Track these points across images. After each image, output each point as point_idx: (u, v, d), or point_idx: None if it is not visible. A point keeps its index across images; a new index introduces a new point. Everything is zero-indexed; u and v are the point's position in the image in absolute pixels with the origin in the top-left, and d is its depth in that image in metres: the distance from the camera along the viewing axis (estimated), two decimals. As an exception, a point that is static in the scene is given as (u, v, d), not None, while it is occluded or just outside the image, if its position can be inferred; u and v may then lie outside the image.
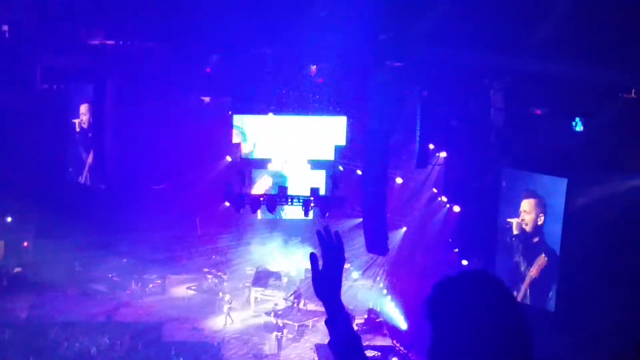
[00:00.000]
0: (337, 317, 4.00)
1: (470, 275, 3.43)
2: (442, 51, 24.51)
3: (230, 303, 31.83)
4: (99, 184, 34.48)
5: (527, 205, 25.14)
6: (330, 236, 4.15)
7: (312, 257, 4.13)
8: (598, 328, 20.62)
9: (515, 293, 24.63)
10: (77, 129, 34.84)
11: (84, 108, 34.82)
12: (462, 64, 24.92)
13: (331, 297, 4.05)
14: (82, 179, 34.74)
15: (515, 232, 25.51)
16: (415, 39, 24.66)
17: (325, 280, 4.07)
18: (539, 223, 24.74)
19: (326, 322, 4.02)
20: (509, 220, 25.54)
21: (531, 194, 25.01)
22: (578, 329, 21.73)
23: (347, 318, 4.03)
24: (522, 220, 25.27)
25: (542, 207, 24.67)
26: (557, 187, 23.86)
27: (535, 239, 24.86)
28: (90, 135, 34.78)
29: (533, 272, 24.71)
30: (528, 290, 24.87)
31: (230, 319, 31.44)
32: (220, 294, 32.64)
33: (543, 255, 24.42)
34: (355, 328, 21.48)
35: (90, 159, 35.12)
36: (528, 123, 25.45)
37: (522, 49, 22.37)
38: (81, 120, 34.87)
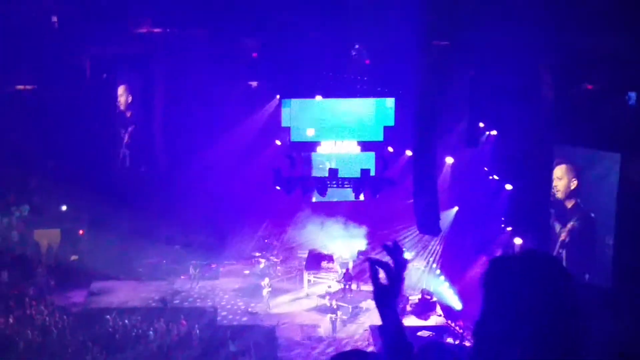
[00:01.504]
0: (392, 326, 4.03)
1: (527, 252, 3.46)
2: (489, 29, 24.31)
3: (270, 287, 31.84)
4: (149, 169, 34.95)
5: (559, 172, 25.04)
6: (398, 252, 4.14)
7: (372, 266, 4.11)
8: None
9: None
10: (119, 109, 35.36)
11: (121, 89, 35.24)
12: (510, 41, 24.70)
13: (388, 308, 4.07)
14: (120, 159, 35.30)
15: (555, 197, 25.47)
16: (462, 17, 24.49)
17: (387, 292, 4.08)
18: (572, 188, 24.60)
19: (381, 332, 4.07)
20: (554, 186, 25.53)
21: (564, 160, 24.89)
22: (634, 304, 21.51)
23: (402, 328, 4.06)
24: (555, 186, 25.14)
25: (575, 172, 24.54)
26: (608, 162, 23.66)
27: (570, 204, 24.74)
28: (128, 116, 35.31)
29: (563, 236, 24.63)
30: (564, 253, 24.84)
31: (268, 305, 31.38)
32: (262, 282, 32.56)
33: (572, 222, 24.32)
34: (409, 309, 21.49)
35: (127, 139, 35.58)
36: (579, 99, 25.18)
37: (572, 24, 22.10)
38: (119, 102, 35.32)
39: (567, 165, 24.68)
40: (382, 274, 4.12)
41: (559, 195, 25.00)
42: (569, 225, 24.44)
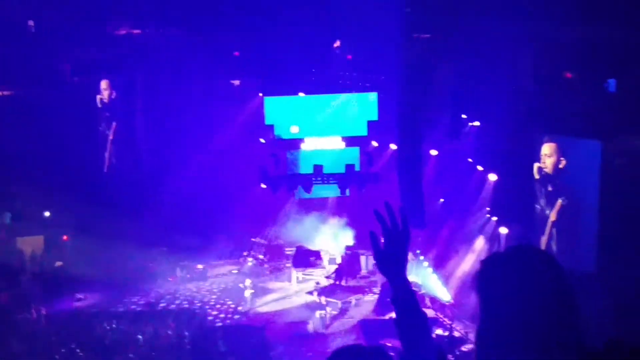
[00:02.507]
0: (403, 295, 3.93)
1: (516, 249, 3.45)
2: (470, 20, 24.34)
3: (252, 288, 31.78)
4: (130, 171, 34.88)
5: (547, 149, 25.01)
6: (392, 213, 4.03)
7: (372, 235, 4.02)
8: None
9: (542, 237, 24.72)
10: (99, 105, 35.22)
11: (104, 84, 35.14)
12: (491, 31, 24.72)
13: (397, 275, 3.97)
14: (106, 157, 35.21)
15: (536, 176, 25.44)
16: (443, 10, 24.52)
17: (389, 257, 3.98)
18: (560, 167, 24.64)
19: (392, 301, 3.96)
20: (535, 165, 25.48)
21: (551, 139, 24.90)
22: (618, 290, 21.57)
23: (414, 296, 3.94)
24: (543, 163, 25.15)
25: (562, 152, 24.59)
26: (591, 150, 23.72)
27: (557, 183, 24.79)
28: (112, 112, 35.27)
29: (552, 216, 24.66)
30: (554, 233, 24.85)
31: (252, 306, 31.30)
32: (241, 284, 32.50)
33: (560, 200, 24.36)
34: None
35: (111, 135, 35.51)
36: (559, 87, 25.23)
37: (551, 14, 22.13)
38: (102, 96, 35.21)
39: (556, 143, 24.71)
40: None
41: (548, 171, 25.00)
42: (558, 204, 24.43)
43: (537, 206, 25.87)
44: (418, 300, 3.99)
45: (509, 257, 3.43)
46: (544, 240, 24.94)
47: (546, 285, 3.28)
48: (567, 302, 3.30)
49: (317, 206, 35.81)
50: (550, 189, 25.18)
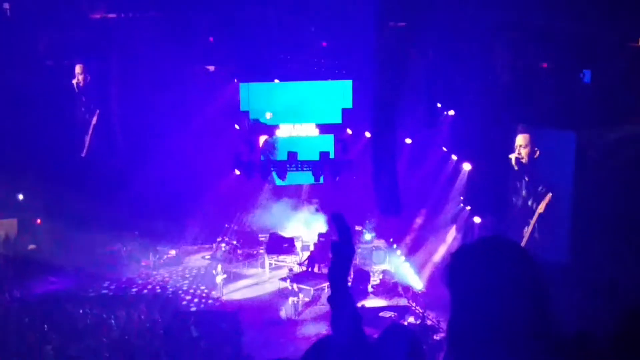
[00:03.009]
0: (341, 295, 3.96)
1: (487, 241, 3.48)
2: (446, 9, 24.37)
3: (224, 274, 31.76)
4: (104, 155, 34.78)
5: (522, 140, 25.16)
6: (343, 223, 4.07)
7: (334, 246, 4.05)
8: (612, 280, 20.62)
9: (526, 228, 24.81)
10: (76, 89, 35.06)
11: (78, 68, 34.95)
12: (467, 21, 24.78)
13: (341, 276, 4.00)
14: (86, 141, 35.11)
15: (515, 168, 25.59)
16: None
17: (337, 264, 4.01)
18: (535, 157, 24.79)
19: (329, 300, 3.99)
20: (510, 156, 25.59)
21: (525, 130, 25.05)
22: (592, 281, 21.72)
23: (350, 296, 3.99)
24: (519, 154, 25.30)
25: (536, 141, 24.73)
26: (554, 137, 23.89)
27: (533, 172, 24.92)
28: (87, 96, 35.09)
29: (541, 208, 24.76)
30: (537, 226, 24.97)
31: (222, 292, 31.30)
32: (214, 270, 32.48)
33: (550, 194, 24.44)
34: (371, 290, 21.61)
35: (94, 120, 35.37)
36: (535, 77, 25.33)
37: (527, 3, 22.20)
38: (78, 80, 35.03)
39: (529, 134, 24.85)
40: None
41: (523, 161, 25.15)
42: (548, 198, 24.49)
43: (515, 198, 25.98)
44: (353, 301, 4.03)
45: (479, 249, 3.44)
46: (527, 231, 25.05)
47: (516, 277, 3.30)
48: (538, 293, 3.32)
49: (290, 193, 35.85)
50: (527, 179, 25.33)
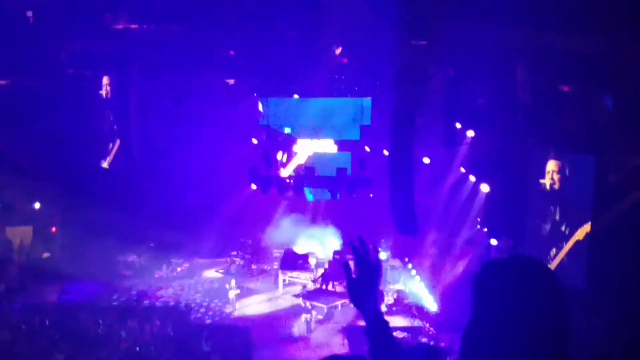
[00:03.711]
0: (376, 326, 3.92)
1: (519, 259, 3.44)
2: (467, 29, 24.26)
3: (237, 289, 31.65)
4: (123, 166, 34.81)
5: (553, 166, 24.96)
6: (366, 248, 4.01)
7: (346, 266, 4.01)
8: (630, 309, 20.42)
9: (552, 252, 24.52)
10: (104, 97, 35.22)
11: (106, 79, 35.07)
12: (488, 41, 24.66)
13: (368, 307, 3.95)
14: (108, 160, 35.14)
15: (548, 189, 25.37)
16: (440, 17, 24.43)
17: (361, 290, 3.96)
18: (566, 175, 24.64)
19: (365, 332, 3.95)
20: (541, 181, 25.34)
21: (555, 157, 24.86)
22: (609, 309, 21.50)
23: (386, 327, 3.94)
24: (551, 179, 25.10)
25: (567, 166, 24.57)
26: (583, 159, 23.68)
27: (562, 198, 24.73)
28: (110, 107, 35.21)
29: (580, 235, 24.43)
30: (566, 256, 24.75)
31: (235, 307, 31.19)
32: (227, 284, 32.37)
33: (590, 223, 24.11)
34: (384, 309, 21.41)
35: (116, 146, 35.43)
36: (555, 100, 25.17)
37: (549, 24, 22.06)
38: (106, 90, 35.14)
39: (560, 160, 24.68)
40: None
41: (556, 187, 24.94)
42: (588, 226, 24.18)
43: (537, 221, 25.74)
44: (391, 331, 3.98)
45: (510, 264, 3.42)
46: (554, 255, 24.82)
47: (542, 297, 3.27)
48: (560, 316, 3.28)
49: (306, 209, 35.72)
50: (554, 205, 25.11)
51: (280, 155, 34.64)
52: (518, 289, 3.27)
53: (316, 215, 35.40)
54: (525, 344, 3.21)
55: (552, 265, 24.72)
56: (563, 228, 24.98)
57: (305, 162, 34.49)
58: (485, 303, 3.34)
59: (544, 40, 23.14)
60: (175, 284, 33.50)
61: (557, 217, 25.29)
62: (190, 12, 31.24)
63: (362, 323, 3.97)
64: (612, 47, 20.75)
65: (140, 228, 33.59)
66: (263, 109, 34.69)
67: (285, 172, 34.44)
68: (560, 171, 24.74)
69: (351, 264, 4.07)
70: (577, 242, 24.38)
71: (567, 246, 24.75)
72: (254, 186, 32.31)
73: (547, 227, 25.57)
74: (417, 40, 27.10)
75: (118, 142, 35.85)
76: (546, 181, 25.26)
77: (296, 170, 34.48)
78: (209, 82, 34.97)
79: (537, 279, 3.32)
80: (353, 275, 4.02)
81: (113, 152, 35.95)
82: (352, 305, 4.08)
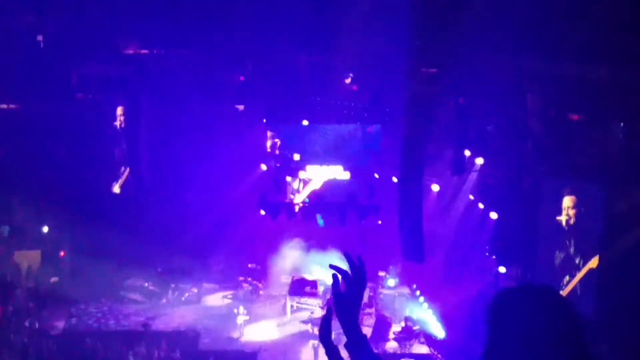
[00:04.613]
0: (357, 339, 3.95)
1: (533, 288, 3.43)
2: (478, 57, 24.29)
3: (246, 315, 31.57)
4: (133, 191, 34.84)
5: (569, 202, 24.93)
6: (353, 260, 4.05)
7: (334, 278, 4.04)
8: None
9: (565, 280, 24.45)
10: (118, 129, 35.26)
11: (120, 110, 35.16)
12: (499, 69, 24.67)
13: (351, 320, 3.98)
14: (119, 184, 35.15)
15: (565, 227, 25.32)
16: (451, 45, 24.46)
17: (348, 303, 3.99)
18: (582, 211, 24.60)
19: (346, 345, 3.98)
20: (558, 218, 25.29)
21: (571, 192, 24.81)
22: (618, 338, 21.39)
23: (366, 341, 3.97)
24: (567, 215, 25.06)
25: (581, 200, 24.54)
26: (596, 193, 23.62)
27: (583, 231, 24.67)
28: (120, 132, 35.25)
29: (592, 263, 24.36)
30: (578, 285, 24.66)
31: (243, 331, 31.10)
32: (235, 309, 32.30)
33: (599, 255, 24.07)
34: (392, 336, 21.41)
35: (127, 171, 35.46)
36: (565, 129, 25.15)
37: (560, 53, 22.07)
38: (120, 121, 35.19)
39: (576, 195, 24.67)
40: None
41: (571, 222, 24.91)
42: (597, 258, 24.15)
43: (547, 250, 25.69)
44: (370, 345, 4.00)
45: (522, 292, 3.42)
46: (566, 283, 24.77)
47: (557, 327, 3.24)
48: (578, 347, 3.26)
49: (315, 235, 35.65)
50: (582, 239, 25.07)
51: (295, 182, 34.69)
52: (532, 317, 3.24)
53: (325, 242, 35.31)
54: None
55: (564, 292, 24.67)
56: (576, 258, 24.91)
57: (320, 188, 34.52)
58: (498, 332, 3.32)
59: (554, 68, 23.14)
60: (183, 309, 33.42)
61: (570, 246, 25.24)
62: (200, 37, 31.38)
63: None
64: (623, 76, 20.74)
65: (148, 253, 33.61)
66: (272, 135, 34.74)
67: (299, 198, 34.46)
68: (576, 206, 24.71)
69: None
70: (590, 271, 24.30)
71: (580, 274, 24.67)
72: (262, 212, 32.28)
73: (560, 255, 25.52)
74: (427, 67, 27.12)
75: (128, 167, 35.87)
76: (562, 218, 25.24)
77: (309, 196, 34.51)
78: (218, 108, 35.07)
79: (551, 306, 3.30)
80: (340, 288, 4.05)
81: (124, 177, 35.95)
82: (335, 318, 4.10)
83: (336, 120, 34.66)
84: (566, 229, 25.25)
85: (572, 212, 24.87)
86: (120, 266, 32.75)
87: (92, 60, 32.44)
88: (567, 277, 24.85)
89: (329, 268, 4.09)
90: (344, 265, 4.12)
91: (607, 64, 20.81)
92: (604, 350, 20.08)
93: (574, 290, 24.57)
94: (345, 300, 3.98)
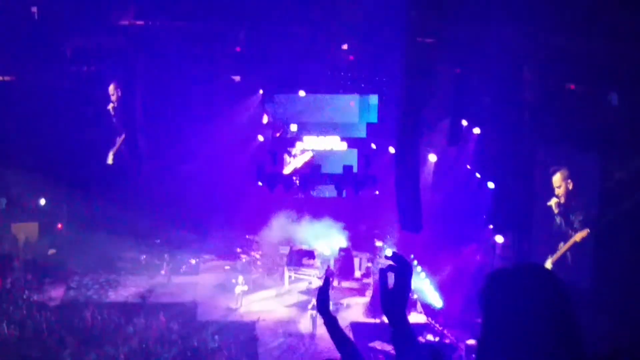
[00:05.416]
0: (404, 333, 3.99)
1: (524, 267, 3.46)
2: (475, 27, 24.23)
3: (244, 285, 31.66)
4: (128, 162, 34.77)
5: (557, 181, 24.99)
6: (401, 259, 4.09)
7: (382, 275, 4.09)
8: (635, 308, 20.42)
9: (557, 249, 24.53)
10: (112, 112, 35.05)
11: (112, 88, 34.93)
12: (495, 40, 24.62)
13: (398, 314, 4.02)
14: (110, 157, 35.07)
15: (556, 211, 25.39)
16: (448, 15, 24.36)
17: (394, 299, 4.04)
18: (570, 188, 24.61)
19: (392, 339, 4.03)
20: (548, 204, 25.40)
21: (558, 168, 24.87)
22: (615, 308, 21.48)
23: (413, 335, 4.00)
24: (557, 195, 25.13)
25: (569, 174, 24.55)
26: (590, 163, 23.65)
27: (574, 204, 24.73)
28: (120, 115, 35.02)
29: (578, 237, 24.46)
30: (569, 254, 24.72)
31: (241, 304, 31.22)
32: (233, 280, 32.37)
33: (588, 230, 24.13)
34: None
35: (121, 140, 35.34)
36: (561, 99, 25.13)
37: (556, 24, 22.02)
38: (112, 100, 35.03)
39: (561, 170, 24.68)
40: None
41: (561, 201, 24.99)
42: (585, 232, 24.22)
43: (543, 219, 25.78)
44: (417, 338, 4.06)
45: (515, 273, 3.43)
46: (557, 254, 24.88)
47: (550, 305, 3.29)
48: (569, 321, 3.30)
49: (312, 206, 35.67)
50: (564, 211, 25.13)
51: (286, 157, 34.65)
52: (523, 299, 3.29)
53: (322, 213, 35.34)
54: (539, 352, 3.23)
55: (554, 258, 24.84)
56: (569, 229, 24.99)
57: (310, 160, 34.50)
58: (493, 315, 3.36)
59: (550, 39, 23.11)
60: (181, 280, 33.47)
61: (565, 217, 25.33)
62: (196, 8, 31.24)
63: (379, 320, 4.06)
64: (618, 47, 20.71)
65: (146, 225, 33.63)
66: (269, 105, 34.69)
67: (288, 170, 34.43)
68: (566, 179, 24.76)
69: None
70: (582, 242, 24.40)
71: (566, 246, 24.81)
72: (260, 183, 32.26)
73: (556, 224, 25.60)
74: (423, 37, 27.00)
75: (123, 136, 35.75)
76: (552, 202, 25.36)
77: (303, 167, 34.47)
78: (215, 78, 34.95)
79: (541, 287, 3.33)
80: (388, 285, 4.11)
81: (117, 146, 35.83)
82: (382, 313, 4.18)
83: (333, 90, 34.59)
84: (557, 211, 25.36)
85: (560, 190, 24.94)
86: (118, 238, 32.75)
87: (87, 32, 32.27)
88: (561, 244, 24.98)
89: (385, 259, 4.19)
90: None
91: (602, 35, 20.79)
92: (599, 320, 20.14)
93: (566, 261, 24.66)
94: (393, 294, 4.03)
